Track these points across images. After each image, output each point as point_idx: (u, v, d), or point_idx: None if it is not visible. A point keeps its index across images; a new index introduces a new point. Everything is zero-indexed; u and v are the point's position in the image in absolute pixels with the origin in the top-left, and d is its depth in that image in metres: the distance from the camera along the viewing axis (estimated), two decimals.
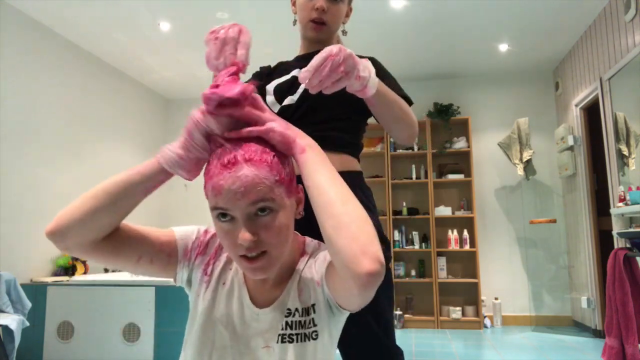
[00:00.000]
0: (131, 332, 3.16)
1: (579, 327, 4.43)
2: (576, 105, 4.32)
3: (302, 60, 1.29)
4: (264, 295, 0.82)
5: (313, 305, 0.79)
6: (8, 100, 3.37)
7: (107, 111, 4.52)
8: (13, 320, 2.60)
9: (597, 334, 3.99)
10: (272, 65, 1.40)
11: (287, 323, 0.79)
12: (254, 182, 0.68)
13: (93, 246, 0.73)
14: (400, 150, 4.99)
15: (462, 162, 4.94)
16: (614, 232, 3.32)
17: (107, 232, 0.74)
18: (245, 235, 0.69)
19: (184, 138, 0.71)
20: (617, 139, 3.50)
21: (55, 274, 3.69)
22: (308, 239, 0.88)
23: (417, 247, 4.82)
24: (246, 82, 1.31)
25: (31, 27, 3.63)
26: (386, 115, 1.10)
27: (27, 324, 2.74)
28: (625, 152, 3.38)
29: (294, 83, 1.25)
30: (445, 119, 4.89)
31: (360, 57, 1.23)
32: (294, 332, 0.78)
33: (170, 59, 4.56)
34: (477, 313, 4.61)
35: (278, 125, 0.73)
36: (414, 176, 4.93)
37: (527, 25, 3.95)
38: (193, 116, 0.70)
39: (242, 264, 0.73)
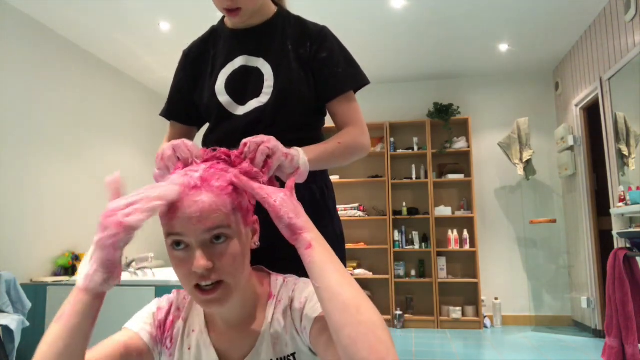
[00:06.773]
0: None
1: (579, 327, 4.43)
2: (576, 105, 4.32)
3: (238, 38, 1.14)
4: (234, 350, 0.79)
5: (293, 354, 0.77)
6: (8, 100, 3.37)
7: (107, 111, 4.52)
8: (13, 320, 2.60)
9: (597, 334, 3.99)
10: (194, 49, 1.20)
11: None
12: (211, 209, 0.67)
13: None
14: (400, 150, 4.99)
15: (462, 162, 4.94)
16: (614, 232, 3.32)
17: None
18: (200, 262, 0.66)
19: (102, 260, 0.64)
20: (617, 139, 3.50)
21: (55, 274, 3.69)
22: (273, 277, 0.84)
23: (417, 247, 4.82)
24: (178, 68, 1.20)
25: (31, 27, 3.63)
26: (336, 165, 1.04)
27: (27, 324, 2.74)
28: (625, 152, 3.38)
29: (248, 77, 1.10)
30: (445, 119, 4.88)
31: (308, 24, 1.14)
32: None
33: (170, 59, 4.55)
34: (477, 313, 4.61)
35: (285, 211, 0.69)
36: (414, 176, 4.93)
37: (527, 25, 3.95)
38: (111, 234, 0.63)
39: (196, 296, 0.70)
